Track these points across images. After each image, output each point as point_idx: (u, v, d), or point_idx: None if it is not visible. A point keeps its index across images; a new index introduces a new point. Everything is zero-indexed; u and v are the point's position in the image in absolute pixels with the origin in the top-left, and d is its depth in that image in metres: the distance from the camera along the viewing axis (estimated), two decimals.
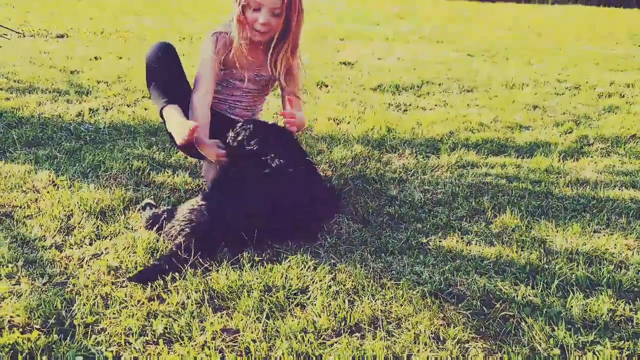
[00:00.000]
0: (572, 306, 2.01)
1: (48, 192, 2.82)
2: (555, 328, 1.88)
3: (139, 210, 2.63)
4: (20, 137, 3.62)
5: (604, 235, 2.58)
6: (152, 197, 2.81)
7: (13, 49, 6.82)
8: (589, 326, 1.91)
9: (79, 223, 2.52)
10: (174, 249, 2.23)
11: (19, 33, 7.75)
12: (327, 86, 5.62)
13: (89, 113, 4.27)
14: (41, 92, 4.81)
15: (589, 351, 1.78)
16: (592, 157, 3.73)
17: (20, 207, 2.65)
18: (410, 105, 4.98)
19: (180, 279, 2.09)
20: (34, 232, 2.41)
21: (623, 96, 5.52)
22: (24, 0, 11.77)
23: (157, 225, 2.44)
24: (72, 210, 2.63)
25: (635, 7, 21.62)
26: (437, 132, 4.10)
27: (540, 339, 1.83)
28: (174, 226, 2.34)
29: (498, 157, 3.66)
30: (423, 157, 3.62)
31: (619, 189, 3.13)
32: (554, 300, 2.04)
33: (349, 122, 4.31)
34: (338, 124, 4.28)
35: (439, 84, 5.87)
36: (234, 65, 2.94)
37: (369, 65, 6.86)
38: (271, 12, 2.78)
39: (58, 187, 2.88)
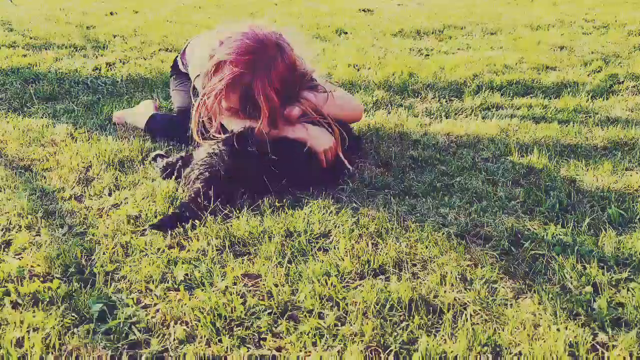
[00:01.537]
0: (604, 244, 1.93)
1: (66, 145, 2.79)
2: (587, 266, 1.81)
3: (150, 162, 2.59)
4: (37, 92, 3.59)
5: (637, 173, 2.48)
6: (170, 147, 2.77)
7: (29, 6, 6.76)
8: (623, 263, 1.84)
9: (97, 174, 2.49)
10: (192, 196, 2.19)
11: None
12: (346, 33, 5.49)
13: (106, 67, 4.23)
14: (57, 48, 4.78)
15: (623, 288, 1.72)
16: (622, 95, 3.59)
17: (39, 160, 2.63)
18: (432, 49, 4.85)
19: (200, 226, 2.06)
20: (53, 184, 2.39)
21: None
22: None
23: (174, 174, 2.40)
24: (90, 162, 2.60)
25: None
26: (461, 76, 3.98)
27: (571, 277, 1.76)
28: (193, 170, 2.29)
29: (524, 99, 3.55)
30: (446, 101, 3.52)
31: None
32: (585, 239, 1.97)
33: (369, 68, 4.21)
34: (358, 70, 4.18)
35: (462, 28, 5.71)
36: None
37: (389, 11, 6.70)
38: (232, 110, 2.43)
39: (76, 140, 2.86)
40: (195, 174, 2.26)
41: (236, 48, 2.32)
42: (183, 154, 2.49)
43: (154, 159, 2.57)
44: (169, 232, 2.04)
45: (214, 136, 2.40)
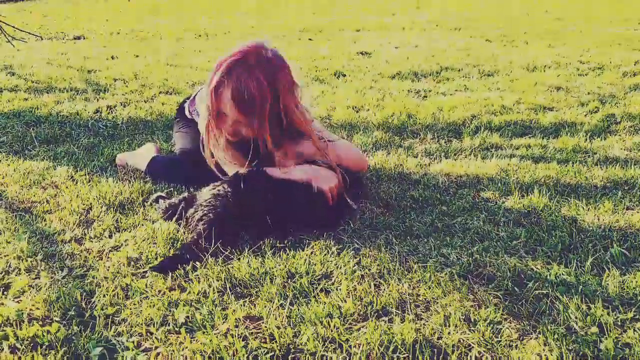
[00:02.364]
0: (608, 283, 1.92)
1: (67, 187, 2.79)
2: (592, 306, 1.79)
3: (151, 204, 2.59)
4: (38, 135, 3.61)
5: (638, 212, 2.48)
6: (171, 189, 2.77)
7: (31, 51, 6.85)
8: (628, 303, 1.83)
9: (98, 216, 2.49)
10: (194, 238, 2.18)
11: (37, 36, 7.78)
12: (344, 75, 5.55)
13: (107, 110, 4.26)
14: (59, 92, 4.82)
15: (629, 328, 1.70)
16: (619, 135, 3.62)
17: (40, 203, 2.63)
18: (430, 91, 4.90)
19: (201, 268, 2.04)
20: (53, 226, 2.38)
21: None
22: (40, 4, 11.85)
23: (176, 215, 2.39)
24: (91, 204, 2.59)
25: None
26: (459, 116, 4.01)
27: (576, 317, 1.74)
28: (197, 211, 2.28)
29: (523, 139, 3.57)
30: (445, 142, 3.54)
31: None
32: (588, 278, 1.96)
33: (368, 110, 4.24)
34: (357, 111, 4.21)
35: (459, 70, 5.77)
36: None
37: (387, 54, 6.78)
38: (235, 124, 2.47)
39: (77, 182, 2.86)
40: (198, 215, 2.25)
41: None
42: (185, 195, 2.49)
43: (156, 200, 2.57)
44: (170, 274, 2.02)
45: (225, 163, 2.47)
